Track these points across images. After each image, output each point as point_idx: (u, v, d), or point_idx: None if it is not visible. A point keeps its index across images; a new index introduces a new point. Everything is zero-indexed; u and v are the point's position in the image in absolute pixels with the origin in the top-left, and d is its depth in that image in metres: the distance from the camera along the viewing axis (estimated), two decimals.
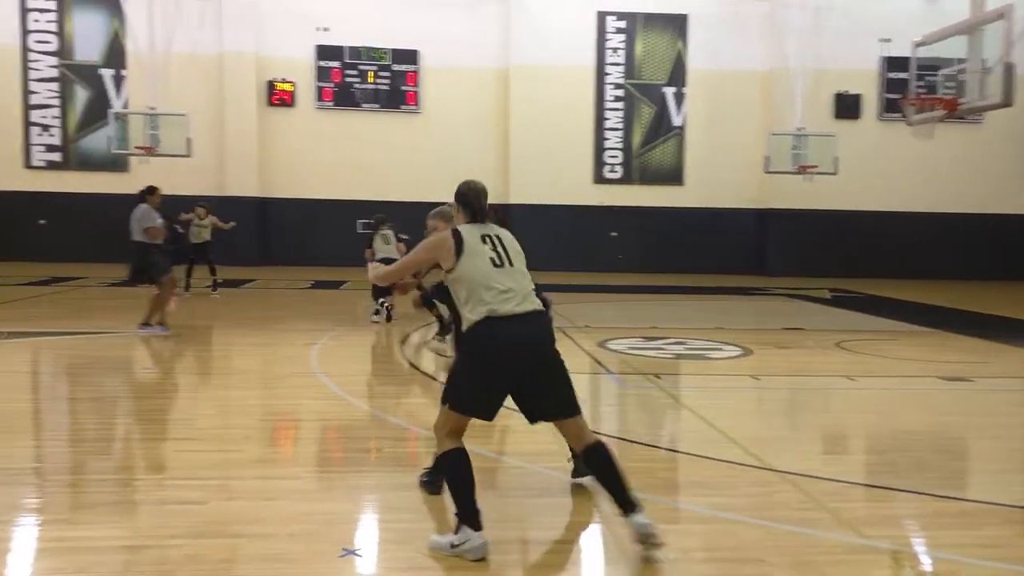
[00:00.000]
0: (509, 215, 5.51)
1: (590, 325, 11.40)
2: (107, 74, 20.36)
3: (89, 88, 20.33)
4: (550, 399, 3.86)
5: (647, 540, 3.61)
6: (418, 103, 21.29)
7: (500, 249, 3.86)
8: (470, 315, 3.77)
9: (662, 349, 9.64)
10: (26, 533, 3.94)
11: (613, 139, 21.92)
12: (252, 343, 9.82)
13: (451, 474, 3.79)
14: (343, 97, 21.03)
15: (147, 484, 4.62)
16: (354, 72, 21.03)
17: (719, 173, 21.74)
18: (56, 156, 20.35)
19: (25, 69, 20.05)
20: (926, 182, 21.56)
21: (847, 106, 21.70)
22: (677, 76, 21.84)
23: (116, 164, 19.87)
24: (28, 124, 20.17)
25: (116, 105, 19.87)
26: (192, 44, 19.56)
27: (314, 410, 6.58)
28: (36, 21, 19.98)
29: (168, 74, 17.95)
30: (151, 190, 9.90)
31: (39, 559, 3.67)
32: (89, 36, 20.21)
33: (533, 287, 3.94)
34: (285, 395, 7.14)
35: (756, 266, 21.72)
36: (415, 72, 21.17)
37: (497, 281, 3.77)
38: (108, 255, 16.87)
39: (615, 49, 21.71)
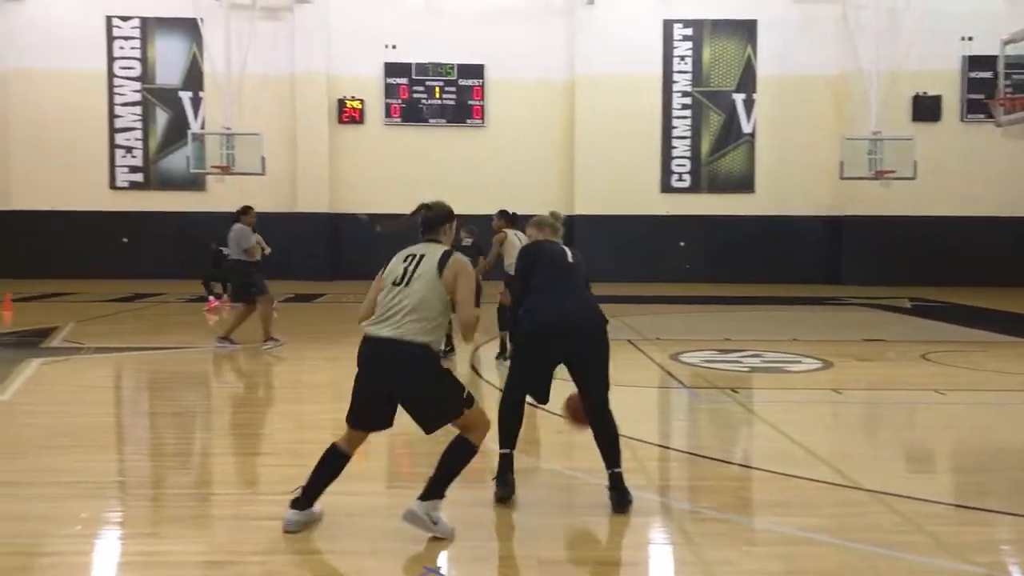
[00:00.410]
0: (573, 226, 5.51)
1: (661, 337, 11.21)
2: (186, 96, 21.11)
3: (169, 110, 21.12)
4: (413, 415, 4.13)
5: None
6: (483, 117, 21.43)
7: (411, 268, 4.04)
8: None
9: (738, 362, 9.39)
10: (109, 547, 4.03)
11: (681, 147, 21.64)
12: (324, 357, 9.96)
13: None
14: (410, 113, 21.33)
15: (226, 499, 4.69)
16: (421, 88, 21.31)
17: (791, 180, 21.24)
18: (138, 177, 21.17)
19: (111, 94, 20.95)
20: (1011, 185, 20.60)
21: (926, 108, 20.92)
22: (746, 82, 21.45)
23: (194, 183, 20.55)
24: (113, 146, 21.05)
25: (194, 126, 20.57)
26: (265, 65, 20.13)
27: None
28: (121, 48, 20.87)
29: (243, 95, 18.50)
30: (246, 210, 10.17)
31: (120, 572, 3.74)
32: (169, 60, 21.01)
33: (411, 311, 3.97)
34: None
35: (830, 275, 21.07)
36: (480, 86, 21.33)
37: (384, 300, 4.06)
38: (187, 271, 17.45)
39: (682, 57, 21.46)
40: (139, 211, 20.81)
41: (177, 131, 20.75)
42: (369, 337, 4.07)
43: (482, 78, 21.30)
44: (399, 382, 3.99)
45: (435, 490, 4.05)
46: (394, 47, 21.15)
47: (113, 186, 21.08)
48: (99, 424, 6.55)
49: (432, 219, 4.24)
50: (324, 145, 21.11)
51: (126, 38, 20.85)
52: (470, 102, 21.40)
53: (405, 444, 6.04)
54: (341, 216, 21.25)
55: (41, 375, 8.28)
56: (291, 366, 9.49)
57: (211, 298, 14.59)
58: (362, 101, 21.31)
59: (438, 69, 21.26)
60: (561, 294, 4.61)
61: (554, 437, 6.04)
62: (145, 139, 21.15)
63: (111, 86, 20.93)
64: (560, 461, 5.40)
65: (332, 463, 4.19)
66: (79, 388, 7.79)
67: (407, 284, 4.00)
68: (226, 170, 17.80)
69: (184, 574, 3.62)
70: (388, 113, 21.32)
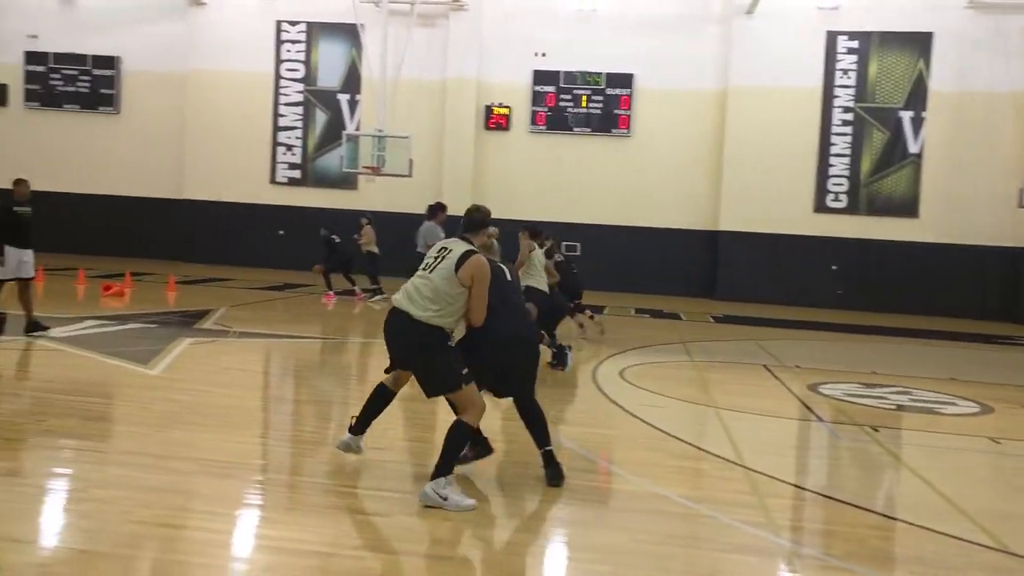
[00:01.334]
0: (717, 241, 5.37)
1: (801, 365, 10.59)
2: (344, 98, 22.12)
3: (328, 111, 22.20)
4: (417, 377, 4.77)
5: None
6: (629, 127, 21.15)
7: (439, 260, 4.66)
8: None
9: (883, 398, 8.70)
10: (229, 526, 4.18)
11: (839, 166, 20.48)
12: None
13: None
14: (556, 121, 21.37)
15: (343, 491, 4.76)
16: (568, 96, 21.31)
17: (962, 206, 19.62)
18: (296, 173, 22.38)
19: (276, 94, 22.28)
20: None
21: None
22: (916, 99, 20.03)
23: (346, 182, 21.50)
24: (276, 144, 22.37)
25: (349, 127, 21.52)
26: (419, 71, 20.76)
27: (502, 431, 6.56)
28: (288, 51, 22.15)
29: (396, 98, 19.16)
30: (441, 207, 10.50)
31: (235, 552, 3.87)
32: (331, 64, 22.09)
33: (428, 294, 4.57)
34: None
35: (1005, 312, 19.22)
36: (628, 95, 21.07)
37: (414, 279, 4.71)
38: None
39: (845, 71, 20.32)
40: (295, 206, 21.97)
41: (334, 131, 21.77)
42: (392, 306, 4.71)
43: (630, 87, 21.03)
44: (408, 350, 4.64)
45: (441, 469, 4.45)
46: (543, 55, 21.28)
47: (273, 181, 22.38)
48: (237, 406, 6.89)
49: (478, 221, 4.86)
50: (469, 150, 21.52)
51: (293, 42, 22.12)
52: (616, 111, 21.19)
53: (506, 452, 5.97)
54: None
55: (189, 354, 8.84)
56: None
57: (329, 293, 15.21)
58: (509, 108, 21.56)
59: (586, 77, 21.19)
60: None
61: (672, 462, 5.79)
62: (304, 138, 22.34)
63: (277, 87, 22.25)
64: (679, 489, 5.14)
65: (378, 398, 5.03)
66: (223, 369, 8.25)
67: (431, 272, 4.62)
68: (376, 171, 18.46)
69: (291, 562, 3.69)
70: (534, 120, 21.46)
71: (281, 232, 21.90)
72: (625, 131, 21.18)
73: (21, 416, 6.22)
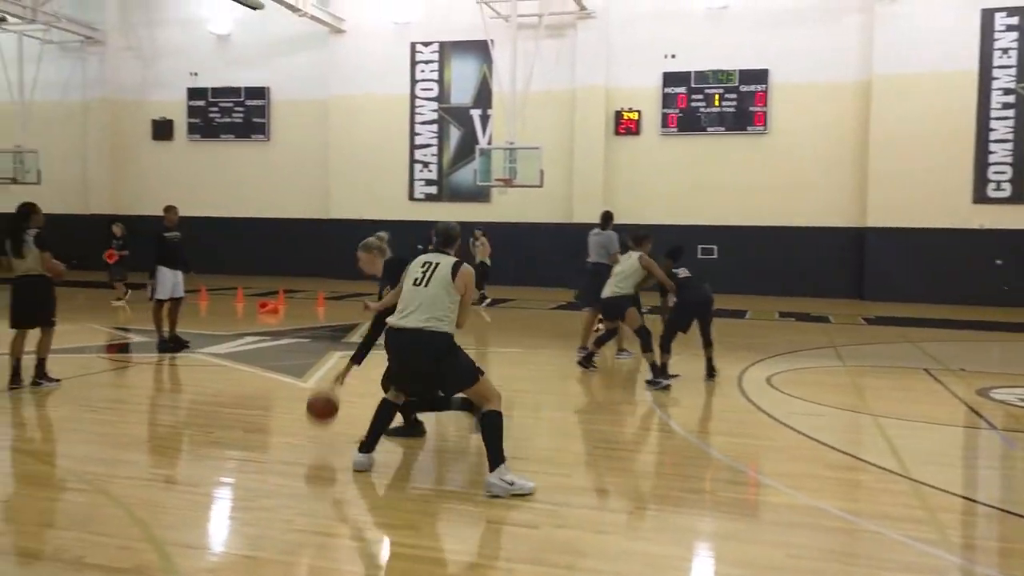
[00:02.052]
0: (863, 239, 5.02)
1: (966, 368, 9.81)
2: (475, 114, 22.59)
3: (461, 127, 22.74)
4: (439, 383, 5.21)
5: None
6: (766, 123, 20.41)
7: (428, 273, 4.98)
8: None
9: None
10: (378, 536, 4.32)
11: (1000, 152, 18.91)
12: (594, 368, 10.03)
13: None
14: (688, 122, 20.94)
15: (480, 501, 4.80)
16: (699, 96, 20.83)
17: None
18: (433, 189, 23.04)
19: (412, 114, 23.05)
20: None
21: None
22: None
23: (480, 195, 21.92)
24: (412, 162, 23.13)
25: (481, 141, 21.94)
26: (548, 81, 20.90)
27: (644, 441, 6.46)
28: (422, 71, 22.89)
29: (526, 110, 19.37)
30: (611, 215, 10.74)
31: (382, 562, 3.98)
32: (463, 81, 22.63)
33: (430, 306, 4.91)
34: (615, 422, 7.12)
35: None
36: (764, 91, 20.35)
37: (405, 297, 5.03)
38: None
39: (1005, 50, 18.76)
40: (431, 220, 22.57)
41: (467, 147, 22.26)
42: (397, 327, 4.99)
43: (765, 83, 20.30)
44: (428, 362, 4.91)
45: (495, 459, 4.81)
46: (673, 56, 20.91)
47: (411, 198, 23.14)
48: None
49: (452, 238, 5.26)
50: (600, 157, 21.43)
51: (427, 62, 22.82)
52: (751, 108, 20.50)
53: (652, 463, 5.84)
54: (614, 227, 21.39)
55: (339, 367, 9.22)
56: (555, 371, 9.65)
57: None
58: (639, 112, 21.32)
59: (718, 76, 20.64)
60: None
61: (829, 473, 5.48)
62: (439, 154, 22.97)
63: (413, 107, 23.00)
64: (837, 502, 4.87)
65: (385, 413, 5.33)
66: (371, 380, 8.55)
67: (427, 286, 4.94)
68: (508, 183, 18.72)
69: (434, 571, 3.75)
70: (665, 123, 21.11)
71: (420, 247, 22.54)
72: (761, 128, 20.45)
73: (191, 428, 6.69)
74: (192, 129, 24.55)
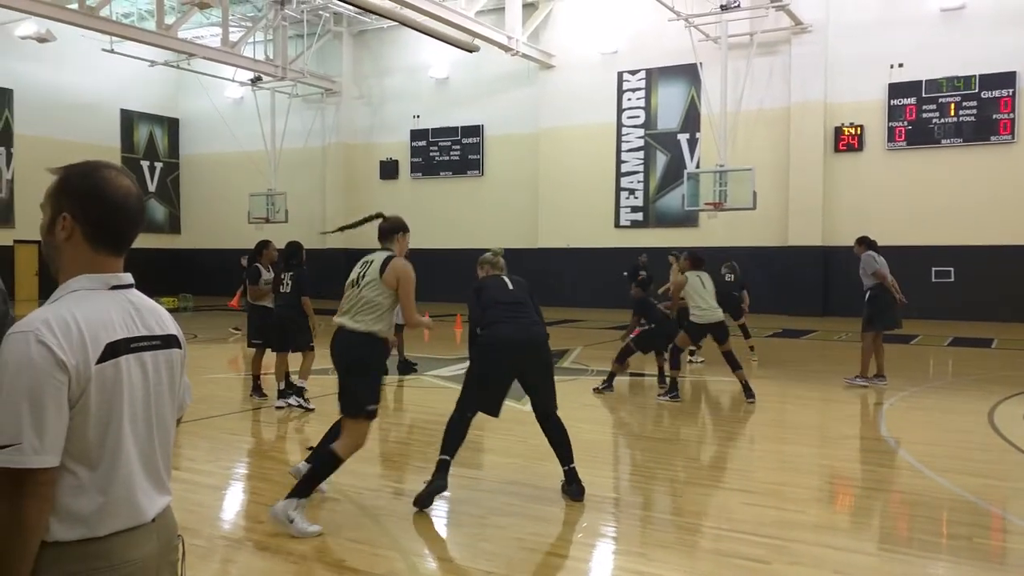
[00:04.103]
0: None
1: None
2: (683, 138, 22.34)
3: (667, 152, 22.56)
4: (341, 390, 4.81)
5: None
6: (1013, 132, 18.41)
7: (362, 272, 4.84)
8: None
9: None
10: (600, 557, 4.35)
11: None
12: (813, 397, 9.51)
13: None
14: (918, 135, 19.38)
15: (707, 532, 4.70)
16: (932, 106, 19.23)
17: None
18: (639, 216, 23.01)
19: (619, 142, 23.23)
20: None
21: None
22: None
23: (688, 220, 21.57)
24: (619, 189, 23.26)
25: (689, 166, 21.62)
26: (760, 100, 20.27)
27: (883, 479, 6.00)
28: (628, 99, 23.03)
29: (736, 131, 18.87)
30: (867, 240, 10.26)
31: None
32: (669, 106, 22.49)
33: (362, 306, 4.75)
34: (848, 457, 6.68)
35: None
36: (1010, 97, 18.40)
37: (345, 297, 4.87)
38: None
39: None
40: (638, 247, 22.54)
41: (674, 171, 22.03)
42: (336, 327, 4.87)
43: (1012, 87, 18.35)
44: (347, 362, 4.73)
45: (299, 490, 4.56)
46: (900, 66, 19.49)
47: (617, 225, 23.24)
48: (598, 441, 7.19)
49: (386, 229, 4.98)
50: (818, 176, 20.36)
51: (633, 90, 22.94)
52: (995, 116, 18.59)
53: (891, 502, 5.41)
54: (834, 249, 20.21)
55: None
56: (776, 403, 9.26)
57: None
58: (861, 127, 20.04)
59: (954, 83, 18.95)
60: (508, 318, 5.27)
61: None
62: (646, 180, 22.92)
63: (619, 135, 23.18)
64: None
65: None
66: (583, 406, 8.68)
67: (359, 288, 4.78)
68: (718, 206, 18.29)
69: None
70: (891, 137, 19.67)
71: (625, 273, 22.56)
72: (1008, 137, 18.48)
73: (418, 445, 7.13)
74: (414, 168, 26.33)
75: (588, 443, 6.95)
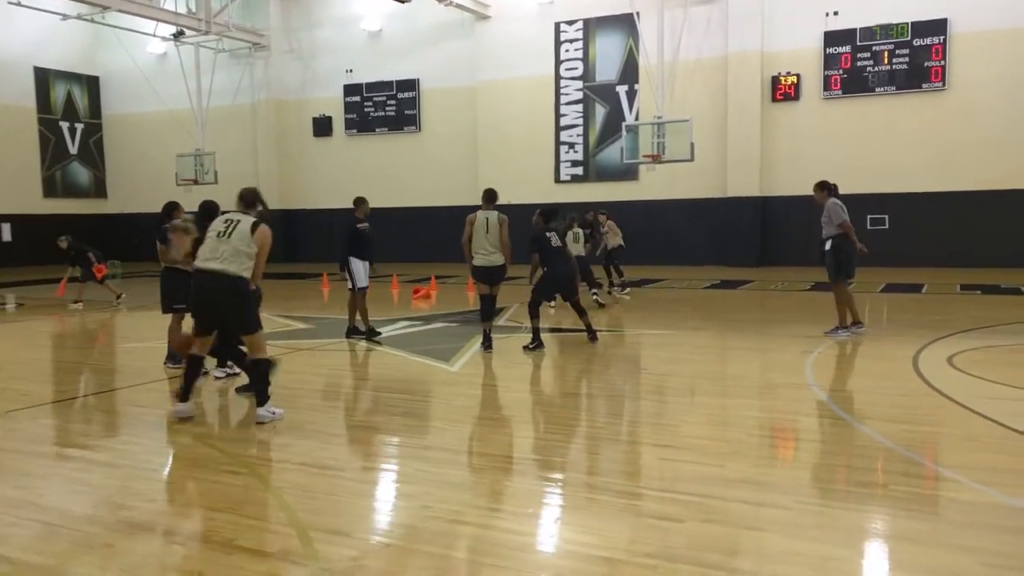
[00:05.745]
0: None
1: None
2: (622, 90, 22.06)
3: (606, 105, 22.27)
4: (231, 323, 6.15)
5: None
6: (943, 79, 18.57)
7: (230, 228, 5.95)
8: None
9: None
10: (517, 526, 4.14)
11: None
12: (745, 347, 9.47)
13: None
14: (853, 83, 19.43)
15: (622, 491, 4.54)
16: (866, 55, 19.27)
17: None
18: (578, 170, 22.76)
19: (557, 95, 22.83)
20: None
21: None
22: None
23: (628, 173, 21.41)
24: (558, 143, 22.93)
25: (628, 118, 21.38)
26: (697, 51, 20.06)
27: (808, 428, 5.92)
28: (567, 51, 22.60)
29: (674, 82, 18.64)
30: (826, 185, 9.63)
31: (523, 554, 3.79)
32: (608, 57, 22.14)
33: (239, 255, 5.89)
34: (776, 408, 6.59)
35: None
36: (941, 44, 18.50)
37: (210, 247, 5.96)
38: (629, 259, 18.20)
39: None
40: (579, 202, 22.33)
41: (613, 124, 21.78)
42: (201, 270, 5.91)
43: (944, 34, 18.45)
44: (228, 302, 5.89)
45: (262, 399, 6.07)
46: (835, 14, 19.44)
47: (557, 180, 22.97)
48: (525, 400, 6.99)
49: (249, 200, 6.15)
50: (756, 126, 20.33)
51: (571, 41, 22.51)
52: (927, 63, 18.71)
53: (815, 452, 5.33)
54: (771, 200, 20.29)
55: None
56: (714, 356, 9.18)
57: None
58: (798, 76, 20.02)
59: (887, 31, 18.98)
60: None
61: (992, 459, 4.77)
62: (585, 134, 22.63)
63: (558, 88, 22.78)
64: (1009, 490, 4.21)
65: (195, 366, 6.24)
66: (514, 364, 8.47)
67: (229, 238, 5.86)
68: (657, 159, 18.12)
69: (577, 567, 3.53)
70: (827, 86, 19.70)
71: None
72: (939, 84, 18.64)
73: (343, 412, 6.84)
74: (349, 124, 25.57)
75: (512, 402, 6.76)
